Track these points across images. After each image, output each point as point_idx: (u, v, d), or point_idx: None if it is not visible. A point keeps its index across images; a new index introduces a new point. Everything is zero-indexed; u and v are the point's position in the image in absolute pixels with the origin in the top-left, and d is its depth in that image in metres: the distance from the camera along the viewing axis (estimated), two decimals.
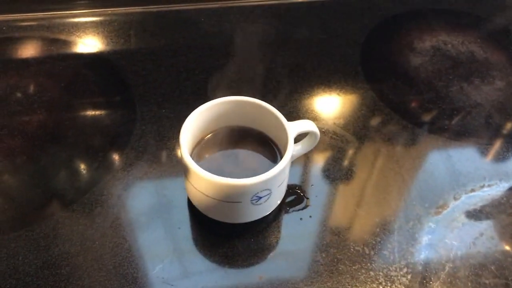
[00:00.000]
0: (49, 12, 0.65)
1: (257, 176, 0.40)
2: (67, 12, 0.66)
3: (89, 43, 0.63)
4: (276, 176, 0.41)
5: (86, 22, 0.66)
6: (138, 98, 0.57)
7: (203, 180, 0.41)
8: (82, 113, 0.55)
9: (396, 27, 0.68)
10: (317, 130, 0.46)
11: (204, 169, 0.40)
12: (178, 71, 0.60)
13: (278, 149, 0.47)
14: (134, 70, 0.60)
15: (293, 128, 0.45)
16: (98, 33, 0.64)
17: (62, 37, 0.63)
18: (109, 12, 0.67)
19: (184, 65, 0.61)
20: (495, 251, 0.47)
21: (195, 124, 0.45)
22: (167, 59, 0.62)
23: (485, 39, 0.67)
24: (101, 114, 0.56)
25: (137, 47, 0.63)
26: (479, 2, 0.73)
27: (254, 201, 0.42)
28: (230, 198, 0.42)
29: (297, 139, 0.48)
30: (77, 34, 0.64)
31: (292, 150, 0.43)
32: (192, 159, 0.45)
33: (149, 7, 0.68)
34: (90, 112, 0.56)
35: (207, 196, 0.42)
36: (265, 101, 0.46)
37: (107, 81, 0.59)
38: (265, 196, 0.43)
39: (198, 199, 0.45)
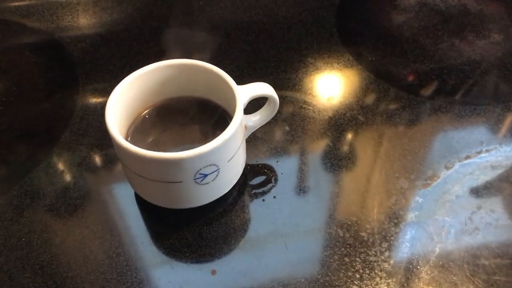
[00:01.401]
0: None
1: (196, 149, 0.33)
2: None
3: (32, 23, 0.57)
4: (221, 148, 0.34)
5: (30, 2, 0.59)
6: (83, 77, 0.51)
7: (131, 156, 0.34)
8: (19, 97, 0.49)
9: None
10: (274, 94, 0.39)
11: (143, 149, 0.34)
12: (129, 46, 0.54)
13: (231, 120, 0.40)
14: (81, 47, 0.54)
15: (244, 92, 0.38)
16: (42, 11, 0.58)
17: (2, 17, 0.57)
18: None
19: (137, 39, 0.54)
20: (496, 226, 0.39)
21: (126, 96, 0.38)
22: (118, 34, 0.55)
23: None
24: (39, 97, 0.49)
25: (85, 23, 0.57)
26: None
27: (199, 180, 0.35)
28: (168, 178, 0.35)
29: (258, 108, 0.42)
30: (19, 13, 0.58)
31: (240, 117, 0.36)
32: (128, 138, 0.38)
33: None
34: (28, 96, 0.49)
35: (141, 177, 0.36)
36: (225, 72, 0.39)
37: (50, 62, 0.53)
38: (212, 173, 0.36)
39: (135, 182, 0.38)
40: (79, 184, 0.42)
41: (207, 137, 0.40)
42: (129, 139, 0.38)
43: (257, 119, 0.41)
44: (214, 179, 0.36)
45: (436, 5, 0.57)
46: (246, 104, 0.38)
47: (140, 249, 0.38)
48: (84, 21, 0.57)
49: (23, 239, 0.38)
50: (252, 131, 0.42)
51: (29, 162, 0.44)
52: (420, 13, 0.56)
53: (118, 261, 0.37)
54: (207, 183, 0.36)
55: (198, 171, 0.35)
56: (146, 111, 0.40)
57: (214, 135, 0.39)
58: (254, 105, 0.40)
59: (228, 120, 0.40)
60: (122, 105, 0.37)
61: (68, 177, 0.42)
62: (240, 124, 0.36)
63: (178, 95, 0.41)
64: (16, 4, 0.59)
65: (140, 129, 0.40)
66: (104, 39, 0.55)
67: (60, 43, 0.54)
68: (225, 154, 0.36)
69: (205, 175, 0.35)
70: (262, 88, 0.39)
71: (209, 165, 0.35)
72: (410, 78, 0.50)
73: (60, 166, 0.43)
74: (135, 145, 0.34)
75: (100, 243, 0.38)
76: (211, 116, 0.41)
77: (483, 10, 0.56)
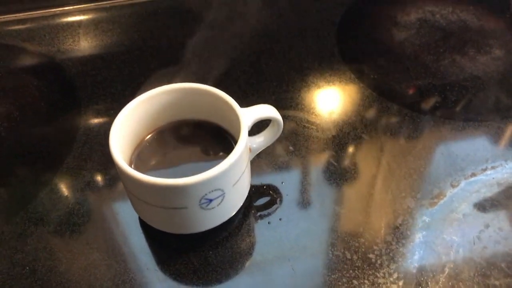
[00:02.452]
0: None
1: (200, 174, 0.33)
2: (9, 15, 0.60)
3: (33, 47, 0.57)
4: (227, 173, 0.34)
5: (30, 25, 0.59)
6: (85, 100, 0.50)
7: (135, 182, 0.34)
8: (20, 122, 0.49)
9: (376, 1, 0.61)
10: (278, 116, 0.39)
11: (148, 175, 0.33)
12: (131, 68, 0.54)
13: (236, 142, 0.39)
14: (82, 71, 0.54)
15: (248, 115, 0.37)
16: (43, 35, 0.58)
17: (3, 41, 0.57)
18: (58, 12, 0.61)
19: (138, 61, 0.54)
20: (505, 245, 0.39)
21: (130, 120, 0.38)
22: (119, 56, 0.55)
23: (478, 5, 0.59)
24: (41, 121, 0.49)
25: (86, 46, 0.57)
26: None
27: (204, 205, 0.35)
28: (173, 204, 0.35)
29: (262, 130, 0.41)
30: (20, 37, 0.58)
31: (245, 141, 0.35)
32: (132, 164, 0.38)
33: (101, 3, 0.61)
34: (29, 120, 0.49)
35: (146, 203, 0.35)
36: (227, 93, 0.38)
37: (51, 85, 0.53)
38: (217, 198, 0.35)
39: (139, 208, 0.38)
40: (83, 209, 0.42)
41: (211, 161, 0.39)
42: (133, 164, 0.38)
43: (261, 140, 0.41)
44: (220, 203, 0.36)
45: (437, 21, 0.57)
46: (250, 127, 0.38)
47: (146, 275, 0.38)
48: (85, 44, 0.57)
49: (27, 268, 0.38)
50: (257, 153, 0.41)
51: (32, 187, 0.43)
52: (421, 30, 0.56)
53: (124, 287, 0.37)
54: (212, 208, 0.36)
55: (204, 196, 0.34)
56: (150, 135, 0.40)
57: (219, 158, 0.39)
58: (257, 125, 0.40)
59: (232, 142, 0.40)
60: (126, 130, 0.37)
61: (71, 203, 0.42)
62: (245, 147, 0.36)
63: (181, 119, 0.41)
64: (17, 27, 0.59)
65: (144, 154, 0.39)
66: (105, 62, 0.55)
67: (61, 66, 0.54)
68: (230, 178, 0.35)
69: (211, 200, 0.35)
70: (266, 111, 0.39)
71: (215, 190, 0.34)
72: (413, 95, 0.50)
73: (64, 191, 0.43)
74: (139, 170, 0.34)
75: (106, 270, 0.38)
76: (215, 139, 0.40)
77: (483, 25, 0.56)
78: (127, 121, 0.37)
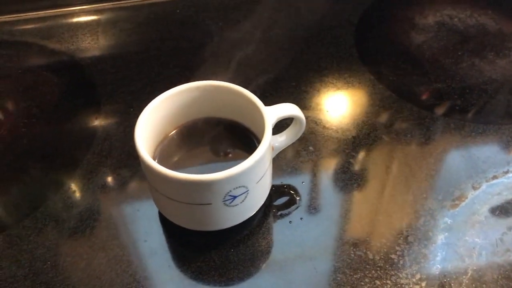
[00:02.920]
0: (8, 15, 0.60)
1: (226, 170, 0.33)
2: (29, 13, 0.60)
3: (53, 44, 0.57)
4: (251, 170, 0.34)
5: (49, 23, 0.60)
6: (105, 98, 0.51)
7: (161, 178, 0.34)
8: (40, 118, 0.49)
9: (393, 3, 0.61)
10: (301, 115, 0.39)
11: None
12: (149, 67, 0.54)
13: (258, 141, 0.40)
14: (101, 69, 0.54)
15: (272, 113, 0.37)
16: (62, 33, 0.58)
17: (23, 39, 0.58)
18: (77, 10, 0.61)
19: (157, 60, 0.55)
20: None
21: (154, 117, 0.38)
22: (138, 55, 0.55)
23: (496, 9, 0.59)
24: (62, 119, 0.49)
25: (105, 45, 0.57)
26: None
27: (228, 202, 0.35)
28: (198, 200, 0.35)
29: (281, 129, 0.41)
30: (40, 35, 0.58)
31: (269, 138, 0.35)
32: (155, 159, 0.38)
33: (119, 3, 0.61)
34: (49, 117, 0.49)
35: (170, 199, 0.35)
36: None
37: (71, 83, 0.53)
38: (241, 195, 0.35)
39: (163, 204, 0.38)
40: (104, 206, 0.42)
41: (233, 158, 0.39)
42: (156, 160, 0.38)
43: (283, 139, 0.41)
44: (243, 200, 0.36)
45: (455, 25, 0.57)
46: (273, 125, 0.38)
47: (168, 272, 0.37)
48: (104, 42, 0.57)
49: (49, 263, 0.38)
50: (278, 151, 0.41)
51: (53, 183, 0.44)
52: (439, 33, 0.56)
53: (145, 285, 0.37)
54: (235, 205, 0.36)
55: (228, 193, 0.34)
56: (173, 132, 0.40)
57: (241, 156, 0.39)
58: (276, 125, 0.40)
59: (254, 140, 0.40)
60: (150, 126, 0.37)
61: (92, 199, 0.42)
62: (269, 145, 0.36)
63: (204, 116, 0.41)
64: (37, 25, 0.59)
65: (167, 150, 0.39)
66: (124, 60, 0.55)
67: (80, 65, 0.55)
68: (254, 176, 0.35)
69: (235, 197, 0.35)
70: (289, 109, 0.39)
71: (239, 186, 0.34)
72: (432, 97, 0.50)
73: (84, 187, 0.43)
74: (162, 165, 0.34)
75: (127, 266, 0.38)
76: (237, 137, 0.40)
77: (502, 29, 0.56)
78: (152, 117, 0.37)
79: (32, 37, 0.58)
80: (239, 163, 0.34)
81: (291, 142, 0.41)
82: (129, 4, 0.62)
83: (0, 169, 0.45)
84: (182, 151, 0.40)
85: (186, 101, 0.39)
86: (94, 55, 0.56)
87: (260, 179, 0.36)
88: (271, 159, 0.39)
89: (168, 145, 0.40)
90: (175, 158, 0.39)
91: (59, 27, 0.59)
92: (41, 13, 0.60)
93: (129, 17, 0.60)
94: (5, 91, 0.52)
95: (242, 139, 0.40)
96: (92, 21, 0.60)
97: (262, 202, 0.39)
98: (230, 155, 0.40)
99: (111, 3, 0.61)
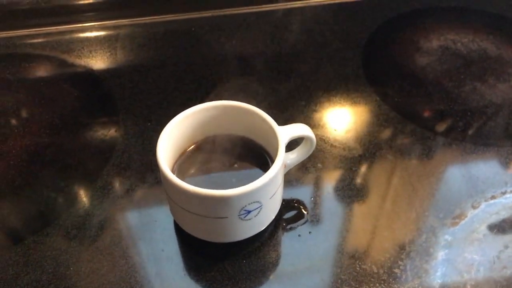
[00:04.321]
0: (31, 29, 0.62)
1: (243, 187, 0.35)
2: (50, 28, 0.63)
3: (72, 58, 0.60)
4: (266, 186, 0.37)
5: (70, 37, 0.63)
6: (123, 111, 0.53)
7: (181, 192, 0.36)
8: (62, 130, 0.51)
9: (400, 27, 0.64)
10: (312, 135, 0.41)
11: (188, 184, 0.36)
12: (166, 82, 0.56)
13: (271, 158, 0.42)
14: (120, 83, 0.56)
15: (285, 133, 0.40)
16: (82, 48, 0.61)
17: (45, 53, 0.60)
18: (96, 26, 0.64)
19: (173, 75, 0.57)
20: None
21: (175, 133, 0.40)
22: (155, 70, 0.58)
23: (498, 35, 0.62)
24: (82, 130, 0.52)
25: (123, 60, 0.60)
26: None
27: (242, 216, 0.38)
28: (215, 213, 0.37)
29: (292, 147, 0.44)
30: (60, 49, 0.61)
31: (283, 157, 0.38)
32: (174, 173, 0.40)
33: (137, 19, 0.64)
34: (71, 129, 0.52)
35: (188, 212, 0.38)
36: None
37: (90, 96, 0.56)
38: (255, 209, 0.38)
39: (180, 217, 0.40)
40: (123, 215, 0.44)
41: (247, 174, 0.42)
42: (175, 174, 0.41)
43: (294, 157, 0.43)
44: (257, 215, 0.38)
45: (458, 49, 0.60)
46: (286, 144, 0.40)
47: (183, 280, 0.40)
48: (122, 57, 0.60)
49: (71, 268, 0.40)
50: (289, 168, 0.44)
51: (75, 193, 0.46)
52: (442, 57, 0.59)
53: None
54: (249, 219, 0.38)
55: (244, 207, 0.37)
56: (191, 148, 0.43)
57: (254, 172, 0.41)
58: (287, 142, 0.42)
59: (266, 157, 0.42)
60: (170, 142, 0.40)
61: (112, 209, 0.44)
62: (283, 162, 0.38)
63: (221, 133, 0.43)
64: (57, 39, 0.62)
65: (185, 165, 0.42)
66: (142, 75, 0.57)
67: (99, 78, 0.57)
68: (268, 192, 0.38)
69: (249, 211, 0.37)
70: (301, 129, 0.41)
71: (254, 202, 0.37)
72: (435, 119, 0.52)
73: (104, 197, 0.45)
74: (181, 179, 0.36)
75: (145, 274, 0.40)
76: (251, 154, 0.43)
77: (502, 54, 0.59)
78: (172, 133, 0.40)
79: (53, 51, 0.60)
80: (253, 179, 0.36)
81: (302, 160, 0.44)
82: (146, 21, 0.64)
83: (23, 178, 0.47)
84: (199, 166, 0.42)
85: (204, 119, 0.42)
86: (112, 69, 0.59)
87: (273, 195, 0.39)
88: (283, 176, 0.41)
89: (187, 160, 0.42)
90: (193, 173, 0.42)
91: (79, 42, 0.62)
92: (62, 28, 0.63)
93: (146, 33, 0.63)
94: (28, 102, 0.55)
95: (256, 156, 0.43)
96: (111, 36, 0.63)
97: (274, 216, 0.41)
98: (244, 170, 0.42)
99: (129, 19, 0.64)
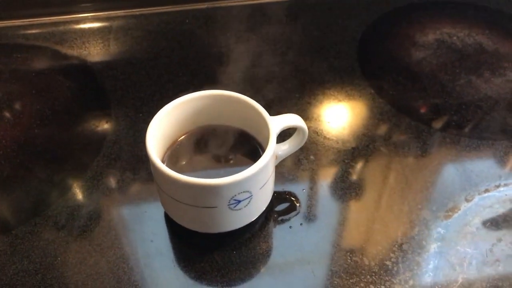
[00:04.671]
0: (23, 19, 0.62)
1: (232, 176, 0.35)
2: (43, 18, 0.62)
3: (65, 49, 0.59)
4: (256, 176, 0.36)
5: (63, 28, 0.62)
6: (115, 103, 0.53)
7: (170, 181, 0.36)
8: (53, 121, 0.51)
9: (395, 21, 0.63)
10: (304, 125, 0.41)
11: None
12: (159, 74, 0.56)
13: (262, 148, 0.42)
14: (112, 75, 0.56)
15: (276, 123, 0.39)
16: (75, 39, 0.60)
17: (37, 43, 0.60)
18: (89, 17, 0.63)
19: (166, 67, 0.57)
20: None
21: (165, 122, 0.40)
22: (148, 62, 0.57)
23: (494, 29, 0.61)
24: (73, 121, 0.51)
25: (116, 51, 0.59)
26: None
27: (232, 206, 0.37)
28: (204, 203, 0.37)
29: (285, 139, 0.43)
30: (53, 40, 0.60)
31: (274, 147, 0.37)
32: (164, 163, 0.40)
33: (131, 11, 0.64)
34: (61, 120, 0.51)
35: (177, 201, 0.37)
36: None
37: (82, 87, 0.55)
38: (245, 199, 0.37)
39: (170, 206, 0.40)
40: (112, 206, 0.43)
41: (238, 164, 0.41)
42: (165, 163, 0.40)
43: (286, 148, 0.43)
44: (247, 205, 0.38)
45: (453, 43, 0.59)
46: (278, 134, 0.40)
47: (172, 271, 0.39)
48: (115, 49, 0.59)
49: (59, 259, 0.40)
50: (281, 159, 0.43)
51: (64, 184, 0.45)
52: (438, 51, 0.58)
53: (151, 282, 0.39)
54: (239, 209, 0.38)
55: (233, 197, 0.36)
56: (182, 137, 0.42)
57: (245, 162, 0.41)
58: (280, 133, 0.42)
59: (258, 148, 0.42)
60: (160, 132, 0.39)
61: (101, 200, 0.44)
62: (273, 153, 0.38)
63: (212, 123, 0.43)
64: (50, 30, 0.61)
65: (175, 155, 0.41)
66: (134, 67, 0.57)
67: (92, 70, 0.57)
68: (258, 182, 0.37)
69: (239, 201, 0.37)
70: (293, 120, 0.41)
71: (244, 191, 0.36)
72: (430, 112, 0.52)
73: (94, 188, 0.45)
74: (170, 168, 0.36)
75: (134, 265, 0.39)
76: (242, 144, 0.42)
77: (498, 49, 0.59)
78: (162, 122, 0.39)
79: (45, 42, 0.60)
80: (244, 169, 0.36)
81: (294, 151, 0.43)
82: (140, 13, 0.64)
83: (13, 168, 0.47)
84: (190, 156, 0.42)
85: (196, 108, 0.41)
86: (105, 60, 0.58)
87: (264, 185, 0.38)
88: (274, 166, 0.41)
89: (177, 149, 0.42)
90: (183, 162, 0.41)
91: (72, 33, 0.61)
92: (55, 19, 0.63)
93: (140, 25, 0.62)
94: (19, 93, 0.54)
95: (247, 147, 0.42)
96: (104, 27, 0.62)
97: (264, 208, 0.41)
98: (235, 161, 0.42)
99: (123, 10, 0.63)
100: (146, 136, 0.37)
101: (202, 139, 0.43)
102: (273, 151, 0.37)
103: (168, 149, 0.41)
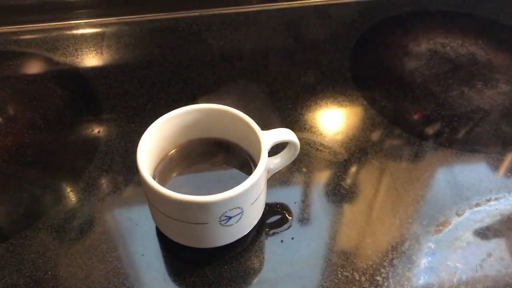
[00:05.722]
0: (15, 26, 0.61)
1: (223, 193, 0.35)
2: (35, 25, 0.62)
3: (57, 57, 0.59)
4: (247, 192, 0.36)
5: (55, 35, 0.62)
6: (107, 112, 0.52)
7: (160, 197, 0.35)
8: (44, 130, 0.51)
9: (388, 30, 0.63)
10: (296, 140, 0.41)
11: (169, 189, 0.35)
12: (151, 83, 0.56)
13: (254, 162, 0.42)
14: (104, 83, 0.56)
15: (268, 137, 0.39)
16: (68, 46, 0.60)
17: (29, 50, 0.59)
18: (82, 23, 0.63)
19: (159, 76, 0.57)
20: (505, 274, 0.40)
21: (156, 136, 0.40)
22: (140, 70, 0.57)
23: (487, 40, 0.61)
24: (64, 130, 0.51)
25: (109, 59, 0.59)
26: (478, 2, 0.68)
27: (223, 222, 0.37)
28: (195, 219, 0.36)
29: (278, 151, 0.43)
30: (45, 47, 0.60)
31: (265, 163, 0.37)
32: (155, 178, 0.40)
33: (124, 18, 0.63)
34: (53, 128, 0.51)
35: (168, 217, 0.37)
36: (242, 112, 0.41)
37: (75, 95, 0.55)
38: (236, 216, 0.37)
39: (161, 221, 0.40)
40: (104, 219, 0.43)
41: (230, 178, 0.41)
42: (156, 178, 0.40)
43: (277, 161, 0.43)
44: (238, 221, 0.38)
45: (447, 53, 0.60)
46: (269, 149, 0.40)
47: (163, 285, 0.39)
48: (108, 56, 0.59)
49: (49, 273, 0.40)
50: (273, 173, 0.43)
51: (55, 195, 0.45)
52: (431, 61, 0.59)
53: None
54: (230, 225, 0.38)
55: (224, 213, 0.36)
56: (173, 151, 0.42)
57: (237, 176, 0.41)
58: (272, 146, 0.42)
59: (250, 162, 0.42)
60: (152, 145, 0.39)
61: (92, 211, 0.44)
62: (265, 168, 0.38)
63: (203, 137, 0.43)
64: (42, 36, 0.61)
65: (166, 168, 0.41)
66: (127, 75, 0.57)
67: (84, 77, 0.56)
68: (250, 198, 0.37)
69: (230, 217, 0.37)
70: (285, 134, 0.41)
71: (235, 208, 0.36)
72: (422, 124, 0.52)
73: (85, 200, 0.45)
74: (161, 183, 0.36)
75: (124, 279, 0.39)
76: (234, 158, 0.42)
77: (491, 60, 0.59)
78: (153, 137, 0.39)
79: (37, 49, 0.60)
80: (235, 184, 0.36)
81: (285, 165, 0.43)
82: (133, 19, 0.64)
83: (4, 178, 0.46)
84: (181, 170, 0.42)
85: (187, 122, 0.41)
86: (97, 68, 0.58)
87: (255, 200, 0.38)
88: (266, 181, 0.41)
89: (168, 163, 0.41)
90: (174, 177, 0.41)
91: (65, 39, 0.61)
92: (47, 25, 0.62)
93: (133, 32, 0.62)
94: (11, 100, 0.54)
95: (239, 160, 0.42)
96: (97, 34, 0.62)
97: (256, 222, 0.41)
98: (226, 175, 0.42)
99: (116, 17, 0.63)
100: (137, 152, 0.37)
101: (194, 152, 0.42)
102: (265, 166, 0.37)
103: (159, 163, 0.41)
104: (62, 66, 0.58)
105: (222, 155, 0.42)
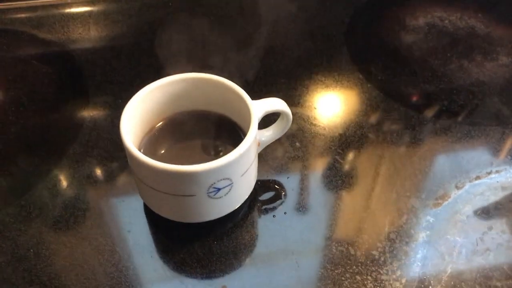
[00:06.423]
0: (2, 3, 0.59)
1: (211, 162, 0.33)
2: (20, 2, 0.60)
3: (43, 34, 0.57)
4: (236, 162, 0.34)
5: (41, 12, 0.60)
6: (93, 88, 0.50)
7: (146, 168, 0.34)
8: (28, 107, 0.49)
9: (385, 3, 0.61)
10: (288, 110, 0.39)
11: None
12: (140, 59, 0.54)
13: (244, 134, 0.40)
14: (91, 60, 0.54)
15: (258, 107, 0.38)
16: (54, 23, 0.58)
17: (14, 28, 0.57)
18: (68, 1, 0.61)
19: (148, 51, 0.55)
20: (507, 247, 0.39)
21: (141, 108, 0.38)
22: (128, 46, 0.55)
23: (487, 13, 0.59)
24: (49, 108, 0.49)
25: (96, 36, 0.57)
26: None
27: (212, 194, 0.35)
28: (182, 191, 0.35)
29: (268, 124, 0.42)
30: (31, 24, 0.58)
31: (255, 132, 0.36)
32: (141, 151, 0.38)
33: None
34: (37, 106, 0.49)
35: (154, 190, 0.35)
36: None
37: (60, 73, 0.53)
38: (225, 187, 0.35)
39: (147, 196, 0.38)
40: (88, 196, 0.42)
41: (219, 151, 0.40)
42: (142, 151, 0.38)
43: (269, 134, 0.41)
44: (227, 193, 0.36)
45: (445, 26, 0.58)
46: (260, 119, 0.38)
47: (150, 262, 0.38)
48: (95, 33, 0.57)
49: (31, 250, 0.38)
50: (264, 146, 0.42)
51: (38, 172, 0.43)
52: (429, 34, 0.57)
53: (127, 274, 0.37)
54: (220, 197, 0.36)
55: (212, 184, 0.35)
56: (159, 124, 0.40)
57: (227, 149, 0.39)
58: (264, 120, 0.40)
59: (240, 134, 0.40)
60: (136, 117, 0.37)
61: (77, 189, 0.42)
62: (255, 138, 0.36)
63: (191, 109, 0.41)
64: (28, 14, 0.59)
65: (153, 141, 0.39)
66: (115, 51, 0.55)
67: (70, 55, 0.55)
68: (239, 168, 0.35)
69: (219, 189, 0.35)
70: (277, 104, 0.39)
71: (223, 179, 0.35)
72: (420, 97, 0.50)
73: (69, 177, 0.43)
74: (147, 157, 0.34)
75: (110, 256, 0.38)
76: (223, 130, 0.41)
77: (490, 33, 0.57)
78: (138, 108, 0.37)
79: (23, 26, 0.58)
80: (224, 155, 0.34)
81: (278, 137, 0.41)
82: None
83: None
84: (168, 143, 0.40)
85: (174, 93, 0.40)
86: (84, 46, 0.56)
87: (245, 172, 0.36)
88: (257, 153, 0.39)
89: (155, 136, 0.40)
90: (161, 149, 0.39)
91: (51, 17, 0.59)
92: (33, 2, 0.60)
93: (121, 9, 0.60)
94: None
95: (229, 133, 0.40)
96: (84, 12, 0.60)
97: (247, 196, 0.39)
98: (215, 147, 0.40)
99: None
100: (120, 121, 0.36)
101: (182, 125, 0.41)
102: (255, 136, 0.36)
103: (145, 136, 0.39)
104: (48, 43, 0.56)
105: (211, 128, 0.41)
